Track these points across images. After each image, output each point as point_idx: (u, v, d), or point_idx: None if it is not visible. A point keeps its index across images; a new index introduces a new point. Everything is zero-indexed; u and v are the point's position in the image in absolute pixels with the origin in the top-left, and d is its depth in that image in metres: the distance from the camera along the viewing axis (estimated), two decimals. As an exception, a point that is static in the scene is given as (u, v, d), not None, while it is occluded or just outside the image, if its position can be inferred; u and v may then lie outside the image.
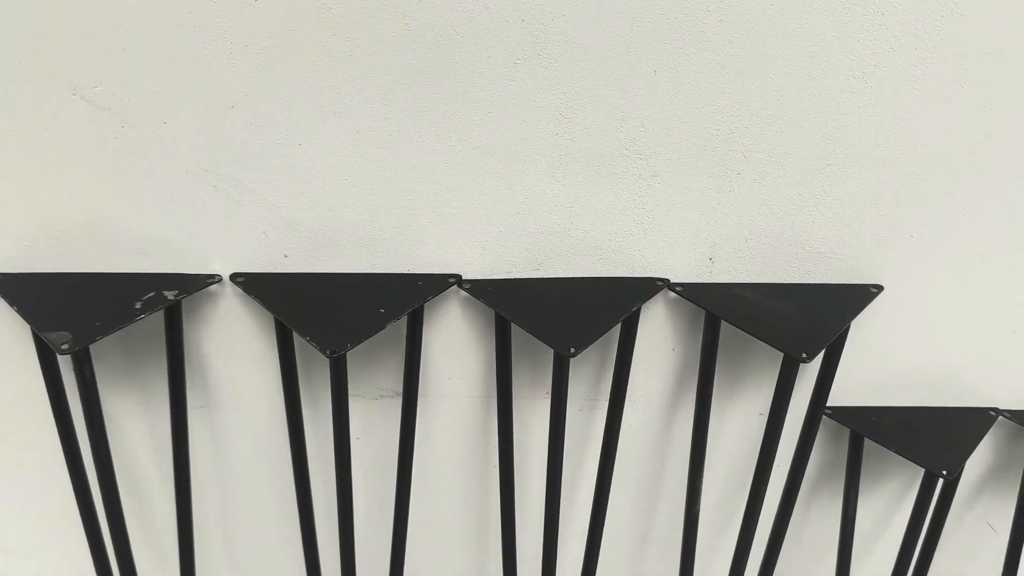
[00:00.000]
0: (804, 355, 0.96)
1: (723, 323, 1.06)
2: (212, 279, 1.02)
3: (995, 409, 1.22)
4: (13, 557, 1.37)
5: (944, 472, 1.10)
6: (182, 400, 1.08)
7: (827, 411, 1.19)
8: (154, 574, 1.31)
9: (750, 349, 1.13)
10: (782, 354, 1.01)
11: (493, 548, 1.34)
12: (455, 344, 1.11)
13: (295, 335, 1.05)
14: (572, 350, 0.95)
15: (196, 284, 1.00)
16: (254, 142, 0.92)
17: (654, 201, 0.99)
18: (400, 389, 1.14)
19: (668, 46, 0.90)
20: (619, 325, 1.06)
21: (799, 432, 1.16)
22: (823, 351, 1.05)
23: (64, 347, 0.90)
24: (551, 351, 1.00)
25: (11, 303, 0.97)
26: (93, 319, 0.93)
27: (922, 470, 1.14)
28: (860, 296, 1.06)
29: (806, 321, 1.01)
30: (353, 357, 1.10)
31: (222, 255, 1.01)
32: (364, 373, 1.14)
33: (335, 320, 0.96)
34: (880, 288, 1.07)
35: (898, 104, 0.94)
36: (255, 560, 1.35)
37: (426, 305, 1.05)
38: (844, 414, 1.19)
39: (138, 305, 0.96)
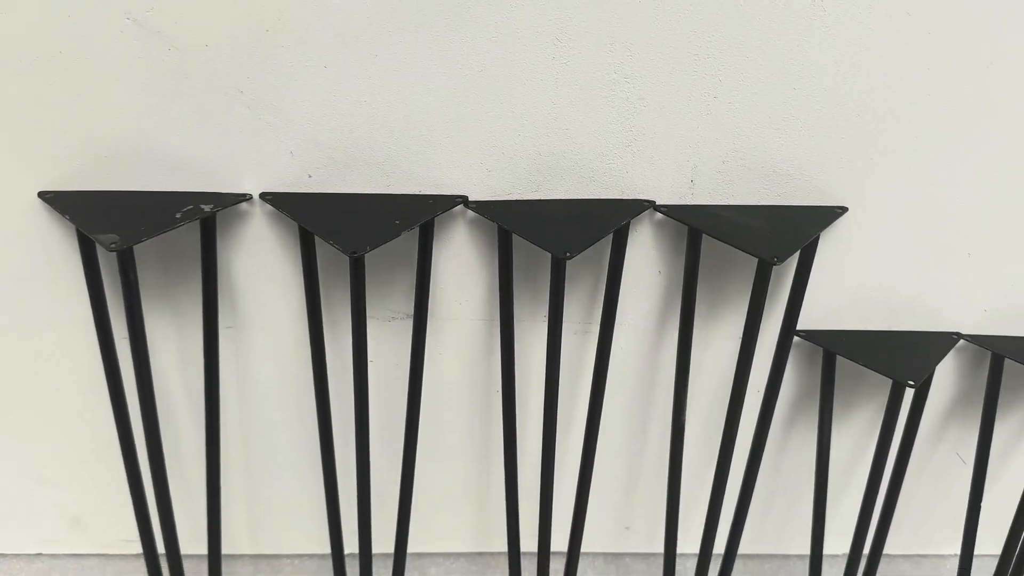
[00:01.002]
0: (775, 258, 1.07)
1: (703, 244, 1.17)
2: (243, 197, 1.13)
3: (957, 333, 1.33)
4: (47, 487, 1.46)
5: (910, 381, 1.20)
6: (214, 318, 1.19)
7: (799, 333, 1.30)
8: (178, 494, 1.40)
9: (729, 270, 1.24)
10: (756, 266, 1.12)
11: (496, 466, 1.44)
12: (461, 267, 1.22)
13: (318, 254, 1.15)
14: (568, 253, 1.06)
15: (229, 200, 1.11)
16: (285, 64, 1.04)
17: (640, 124, 1.11)
18: (411, 311, 1.25)
19: (651, -22, 1.03)
20: (610, 246, 1.17)
21: (774, 351, 1.27)
22: (795, 257, 1.16)
23: (113, 245, 1.01)
24: (548, 276, 1.11)
25: (62, 213, 1.08)
26: (138, 225, 1.04)
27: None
28: (826, 216, 1.18)
29: (777, 233, 1.12)
30: (368, 279, 1.21)
31: (253, 175, 1.12)
32: (378, 295, 1.24)
33: (355, 229, 1.07)
34: (844, 209, 1.19)
35: (857, 31, 1.06)
36: (275, 478, 1.44)
37: (436, 229, 1.16)
38: (815, 336, 1.30)
39: (178, 215, 1.07)
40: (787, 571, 1.62)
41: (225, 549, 1.46)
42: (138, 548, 1.51)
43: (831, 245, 1.22)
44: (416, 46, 1.04)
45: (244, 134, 1.09)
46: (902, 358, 1.26)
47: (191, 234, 1.15)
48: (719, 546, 1.42)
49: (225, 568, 1.52)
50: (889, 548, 1.64)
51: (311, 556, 1.59)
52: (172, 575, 1.35)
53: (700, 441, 1.44)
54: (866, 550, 1.41)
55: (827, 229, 1.19)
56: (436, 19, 1.03)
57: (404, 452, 1.29)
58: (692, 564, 1.48)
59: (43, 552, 1.56)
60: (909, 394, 1.30)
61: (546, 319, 1.27)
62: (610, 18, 1.03)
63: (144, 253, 1.18)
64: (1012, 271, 1.27)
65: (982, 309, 1.31)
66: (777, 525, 1.60)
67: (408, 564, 1.52)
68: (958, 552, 1.42)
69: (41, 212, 1.14)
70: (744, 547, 1.63)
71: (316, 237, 1.11)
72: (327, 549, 1.41)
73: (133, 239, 1.02)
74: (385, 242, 1.05)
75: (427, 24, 1.03)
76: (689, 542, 1.54)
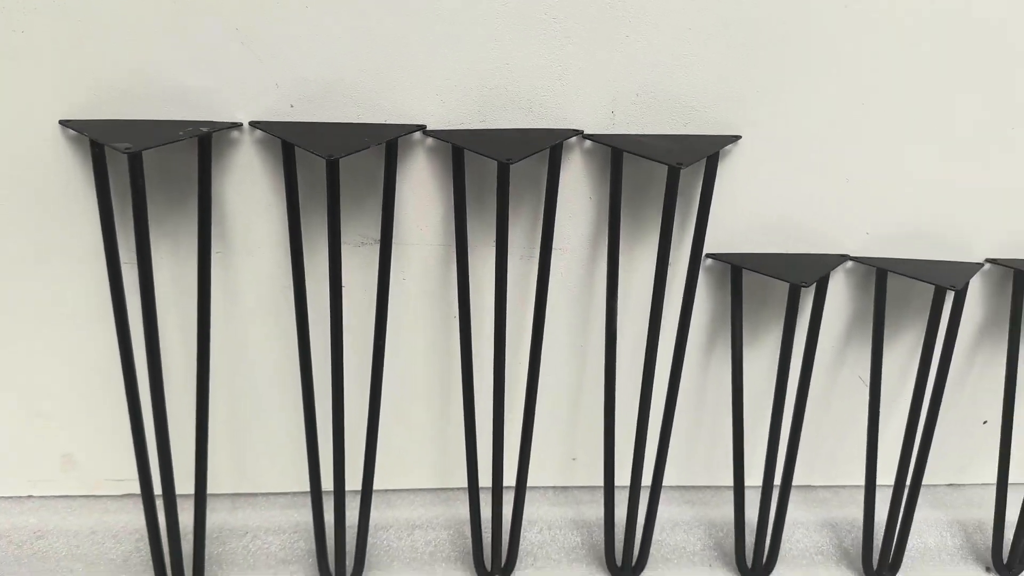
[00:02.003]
0: (680, 163, 1.30)
1: (625, 169, 1.39)
2: (236, 125, 1.34)
3: (846, 256, 1.56)
4: (43, 420, 1.59)
5: (803, 282, 1.42)
6: (207, 238, 1.36)
7: (709, 255, 1.52)
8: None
9: (649, 195, 1.46)
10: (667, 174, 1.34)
11: (455, 385, 1.61)
12: (421, 194, 1.43)
13: (299, 186, 1.35)
14: (509, 159, 1.28)
15: (223, 126, 1.32)
16: (274, 4, 1.27)
17: (567, 61, 1.34)
18: (378, 236, 1.45)
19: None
20: (546, 173, 1.39)
21: (686, 270, 1.47)
22: (699, 183, 1.39)
23: (127, 148, 1.20)
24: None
25: (78, 130, 1.27)
26: (146, 139, 1.24)
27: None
28: (723, 141, 1.41)
29: (682, 151, 1.35)
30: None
31: (244, 106, 1.33)
32: (347, 221, 1.44)
33: (331, 143, 1.28)
34: (738, 137, 1.43)
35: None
36: (255, 414, 1.60)
37: (399, 157, 1.37)
38: (722, 256, 1.52)
39: (180, 133, 1.27)
40: (719, 500, 1.79)
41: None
42: (125, 488, 1.65)
43: (730, 173, 1.45)
44: (382, -12, 1.28)
45: (238, 68, 1.30)
46: (797, 269, 1.48)
47: (186, 162, 1.34)
48: (648, 479, 1.59)
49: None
50: (808, 479, 1.83)
51: (284, 494, 1.72)
52: (167, 512, 1.45)
53: (636, 368, 1.62)
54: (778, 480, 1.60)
55: (725, 158, 1.43)
56: (399, -34, 1.27)
57: (371, 382, 1.45)
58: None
59: (33, 494, 1.67)
60: (806, 313, 1.52)
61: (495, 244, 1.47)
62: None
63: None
64: (888, 195, 1.51)
65: (864, 232, 1.54)
66: (705, 457, 1.77)
67: (374, 500, 1.66)
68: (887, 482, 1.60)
69: (59, 142, 1.33)
70: (678, 479, 1.80)
71: (297, 155, 1.31)
72: (298, 487, 1.57)
73: (143, 146, 1.22)
74: (356, 151, 1.26)
75: (391, -30, 1.27)
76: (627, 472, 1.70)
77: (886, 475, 1.62)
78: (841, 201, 1.51)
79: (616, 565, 1.61)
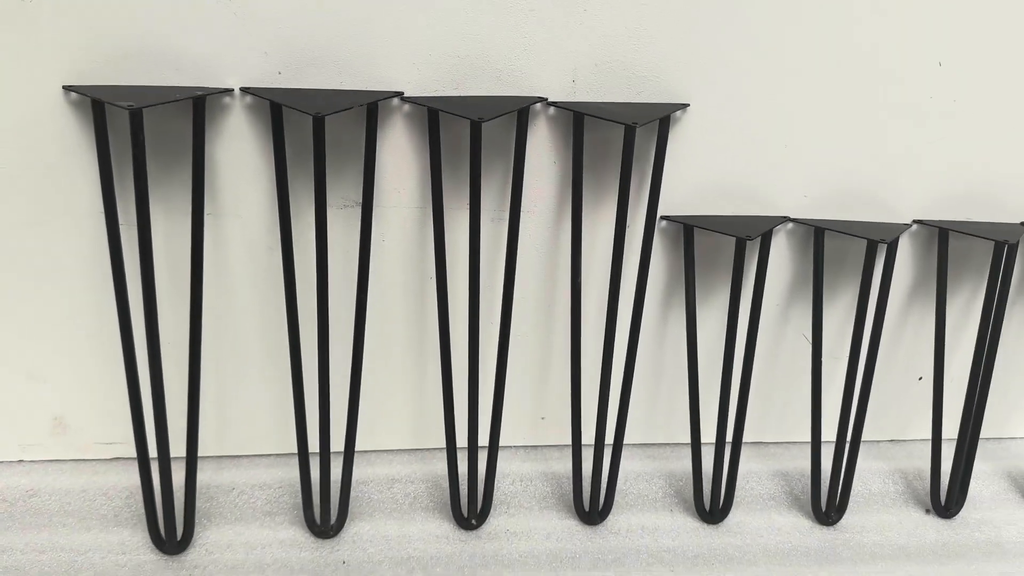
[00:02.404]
0: (635, 122, 1.44)
1: (585, 134, 1.53)
2: (228, 91, 1.45)
3: (786, 217, 1.71)
4: (36, 383, 1.67)
5: (748, 235, 1.57)
6: (201, 200, 1.45)
7: (664, 217, 1.66)
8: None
9: (607, 158, 1.60)
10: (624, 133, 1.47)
11: (433, 358, 1.72)
12: (398, 157, 1.55)
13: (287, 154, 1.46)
14: (481, 118, 1.40)
15: (216, 91, 1.43)
16: (265, -24, 1.39)
17: (532, 32, 1.48)
18: (359, 199, 1.56)
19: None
20: (514, 139, 1.52)
21: (643, 229, 1.61)
22: (652, 149, 1.53)
23: (129, 105, 1.31)
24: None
25: (81, 93, 1.38)
26: (146, 99, 1.35)
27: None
28: (673, 108, 1.56)
29: (636, 114, 1.49)
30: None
31: (234, 73, 1.44)
32: (331, 185, 1.55)
33: (317, 104, 1.39)
34: (687, 105, 1.57)
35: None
36: (240, 377, 1.69)
37: (378, 125, 1.49)
38: (675, 219, 1.66)
39: (177, 95, 1.38)
40: (677, 456, 1.91)
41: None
42: (113, 452, 1.73)
43: (679, 140, 1.59)
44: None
45: (229, 37, 1.42)
46: (743, 226, 1.62)
47: (179, 127, 1.45)
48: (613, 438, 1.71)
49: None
50: (761, 436, 1.96)
51: (266, 456, 1.80)
52: (161, 469, 1.53)
53: (600, 328, 1.75)
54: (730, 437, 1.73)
55: (675, 126, 1.58)
56: (379, -57, 1.40)
57: (354, 341, 1.55)
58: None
59: (24, 459, 1.74)
60: (752, 272, 1.66)
61: (468, 206, 1.60)
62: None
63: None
64: (823, 160, 1.66)
65: (802, 195, 1.69)
66: (664, 415, 1.90)
67: (355, 460, 1.74)
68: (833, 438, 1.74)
69: (61, 107, 1.43)
70: (641, 437, 1.92)
71: (284, 119, 1.42)
72: (280, 449, 1.68)
73: (144, 103, 1.32)
74: (342, 110, 1.38)
75: (372, -53, 1.40)
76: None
77: (832, 429, 1.76)
78: (781, 166, 1.65)
79: (584, 510, 1.72)
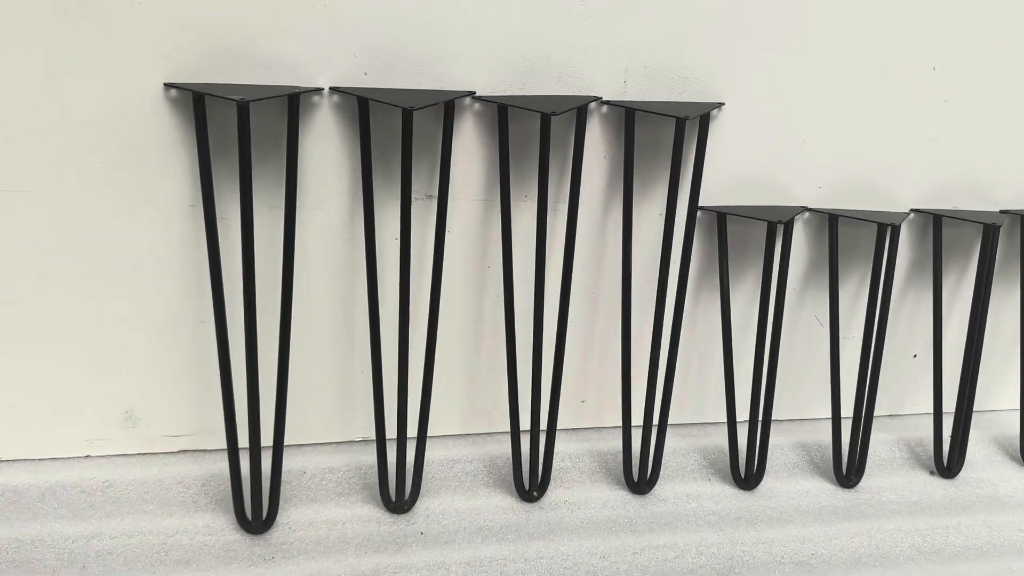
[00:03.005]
0: (686, 116, 1.62)
1: (640, 132, 1.69)
2: (318, 90, 1.57)
3: (805, 207, 1.90)
4: (110, 374, 1.72)
5: (780, 220, 1.75)
6: (293, 193, 1.56)
7: (700, 208, 1.83)
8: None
9: (655, 154, 1.77)
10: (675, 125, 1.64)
11: (488, 332, 1.84)
12: (469, 153, 1.68)
13: (372, 143, 1.57)
14: (553, 112, 1.55)
15: (309, 90, 1.55)
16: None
17: (590, 37, 1.65)
18: (431, 192, 1.69)
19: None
20: (573, 135, 1.67)
21: (686, 218, 1.78)
22: (694, 144, 1.71)
23: (241, 99, 1.41)
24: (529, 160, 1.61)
25: (186, 88, 1.48)
26: (249, 95, 1.45)
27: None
28: (711, 107, 1.74)
29: (683, 111, 1.67)
30: (396, 164, 1.63)
31: (324, 73, 1.56)
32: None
33: (403, 100, 1.52)
34: (723, 104, 1.76)
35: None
36: (311, 352, 1.77)
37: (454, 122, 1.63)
38: (710, 209, 1.83)
39: (274, 93, 1.49)
40: (706, 433, 2.06)
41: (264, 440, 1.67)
42: (180, 444, 1.79)
43: (712, 136, 1.77)
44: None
45: (322, 39, 1.54)
46: (773, 214, 1.80)
47: (267, 123, 1.55)
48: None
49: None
50: (777, 413, 2.13)
51: (330, 443, 1.88)
52: (251, 458, 1.60)
53: (642, 314, 1.89)
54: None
55: (713, 122, 1.76)
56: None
57: (427, 329, 1.68)
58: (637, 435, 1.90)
59: (91, 454, 1.78)
60: (776, 253, 1.84)
61: (527, 198, 1.74)
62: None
63: (226, 144, 1.56)
64: (834, 157, 1.86)
65: (817, 187, 1.89)
66: (694, 395, 2.05)
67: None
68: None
69: (160, 104, 1.52)
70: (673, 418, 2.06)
71: (371, 111, 1.54)
72: (345, 436, 1.82)
73: (252, 97, 1.43)
74: (427, 105, 1.51)
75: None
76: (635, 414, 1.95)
77: (844, 405, 1.94)
78: (799, 160, 1.85)
79: (634, 481, 1.85)
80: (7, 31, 1.42)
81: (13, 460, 1.74)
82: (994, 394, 2.27)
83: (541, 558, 1.64)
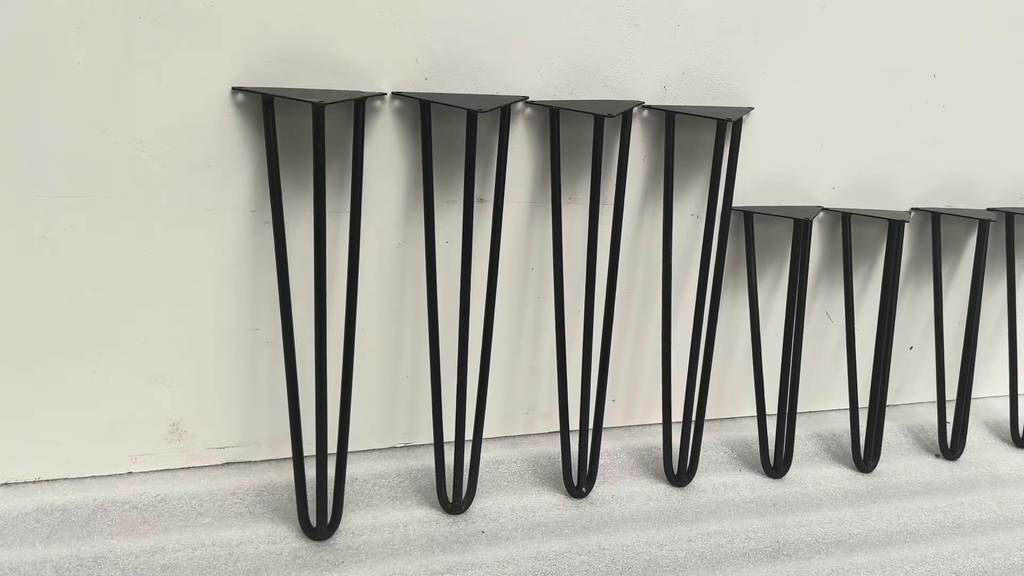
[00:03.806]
0: (728, 119, 1.70)
1: (676, 135, 1.77)
2: (380, 95, 1.59)
3: (821, 207, 2.01)
4: (159, 386, 1.68)
5: (807, 218, 1.85)
6: (359, 196, 1.56)
7: (732, 208, 1.92)
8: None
9: (692, 157, 1.85)
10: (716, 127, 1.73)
11: (528, 332, 1.88)
12: (519, 157, 1.73)
13: (433, 150, 1.60)
14: (609, 114, 1.62)
15: (371, 95, 1.57)
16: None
17: (634, 45, 1.72)
18: (483, 195, 1.72)
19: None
20: (619, 139, 1.74)
21: (719, 220, 1.86)
22: (728, 143, 1.80)
23: (317, 101, 1.43)
24: (584, 163, 1.67)
25: (256, 91, 1.48)
26: (321, 98, 1.46)
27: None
28: (742, 111, 1.83)
29: (721, 114, 1.75)
30: (450, 167, 1.67)
31: (387, 77, 1.59)
32: (456, 183, 1.70)
33: (466, 103, 1.56)
34: (751, 108, 1.86)
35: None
36: (367, 359, 1.77)
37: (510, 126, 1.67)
38: (740, 209, 1.92)
39: (343, 98, 1.51)
40: (739, 429, 2.14)
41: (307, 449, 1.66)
42: (225, 457, 1.76)
43: (748, 136, 1.87)
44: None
45: (386, 45, 1.56)
46: (794, 214, 1.90)
47: (331, 126, 1.56)
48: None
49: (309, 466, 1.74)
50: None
51: (374, 451, 1.88)
52: (318, 463, 1.60)
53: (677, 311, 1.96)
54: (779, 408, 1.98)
55: (744, 126, 1.85)
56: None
57: (484, 328, 1.71)
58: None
59: (133, 470, 1.73)
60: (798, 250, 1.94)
61: (571, 200, 1.79)
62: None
63: (289, 149, 1.56)
64: (845, 159, 1.98)
65: (831, 187, 2.00)
66: (731, 390, 2.13)
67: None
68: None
69: (228, 108, 1.52)
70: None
71: (433, 114, 1.57)
72: (389, 443, 1.84)
73: (328, 100, 1.44)
74: (492, 108, 1.55)
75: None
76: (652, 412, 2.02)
77: (844, 397, 2.05)
78: (817, 162, 1.96)
79: (674, 474, 1.91)
80: (80, 31, 1.40)
81: (55, 479, 1.67)
82: (978, 381, 2.41)
83: (603, 550, 1.67)
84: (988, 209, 2.16)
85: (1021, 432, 2.25)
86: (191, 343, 1.66)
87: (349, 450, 1.82)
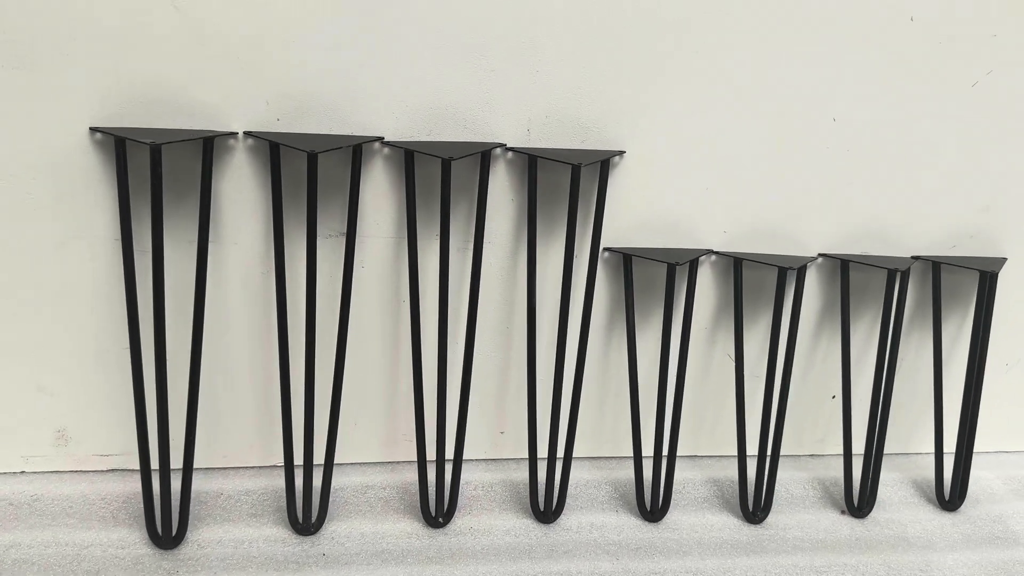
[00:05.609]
0: (581, 163, 1.72)
1: (538, 178, 1.80)
2: (232, 134, 1.70)
3: (710, 250, 1.98)
4: (43, 396, 1.84)
5: (677, 261, 1.84)
6: (206, 230, 1.67)
7: (606, 249, 1.92)
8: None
9: (556, 198, 1.87)
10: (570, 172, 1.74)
11: (403, 364, 1.94)
12: (378, 193, 1.80)
13: (282, 180, 1.70)
14: (451, 157, 1.66)
15: (223, 133, 1.67)
16: (268, 36, 1.65)
17: (493, 89, 1.76)
18: (342, 230, 1.80)
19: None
20: (478, 177, 1.78)
21: (588, 259, 1.87)
22: (594, 189, 1.81)
23: (151, 142, 1.54)
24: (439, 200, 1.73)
25: (108, 132, 1.61)
26: (164, 138, 1.58)
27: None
28: (611, 154, 1.84)
29: (581, 158, 1.77)
30: (298, 204, 1.75)
31: (238, 118, 1.69)
32: (319, 217, 1.79)
33: (311, 145, 1.64)
34: (623, 152, 1.86)
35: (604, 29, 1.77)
36: (232, 379, 1.88)
37: (362, 164, 1.74)
38: (616, 250, 1.92)
39: (190, 135, 1.62)
40: (621, 467, 2.14)
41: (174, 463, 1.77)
42: (110, 463, 1.90)
43: (617, 183, 1.87)
44: (353, 31, 1.67)
45: (236, 87, 1.66)
46: (672, 256, 1.89)
47: (187, 166, 1.68)
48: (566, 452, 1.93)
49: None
50: (695, 449, 2.20)
51: (249, 468, 1.98)
52: (161, 475, 1.71)
53: (551, 347, 1.99)
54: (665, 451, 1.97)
55: (614, 169, 1.85)
56: (366, 11, 1.67)
57: (335, 360, 1.78)
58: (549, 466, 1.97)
59: (26, 470, 1.90)
60: (682, 297, 1.92)
61: (437, 237, 1.85)
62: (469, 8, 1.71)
63: (148, 184, 1.68)
64: (740, 201, 1.95)
65: (723, 231, 1.97)
66: (611, 428, 2.13)
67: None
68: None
69: (87, 146, 1.65)
70: (588, 451, 2.14)
71: (281, 158, 1.66)
72: (260, 462, 1.91)
73: (163, 140, 1.56)
74: (332, 149, 1.63)
75: (361, 12, 1.67)
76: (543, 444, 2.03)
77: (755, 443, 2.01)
78: (703, 205, 1.94)
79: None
80: (-58, 78, 1.57)
81: (-49, 474, 1.86)
82: (919, 437, 2.31)
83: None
84: (912, 257, 2.07)
85: (947, 492, 2.13)
86: (69, 357, 1.81)
87: (222, 466, 1.95)
